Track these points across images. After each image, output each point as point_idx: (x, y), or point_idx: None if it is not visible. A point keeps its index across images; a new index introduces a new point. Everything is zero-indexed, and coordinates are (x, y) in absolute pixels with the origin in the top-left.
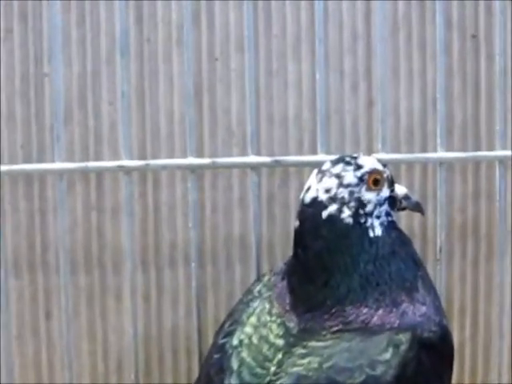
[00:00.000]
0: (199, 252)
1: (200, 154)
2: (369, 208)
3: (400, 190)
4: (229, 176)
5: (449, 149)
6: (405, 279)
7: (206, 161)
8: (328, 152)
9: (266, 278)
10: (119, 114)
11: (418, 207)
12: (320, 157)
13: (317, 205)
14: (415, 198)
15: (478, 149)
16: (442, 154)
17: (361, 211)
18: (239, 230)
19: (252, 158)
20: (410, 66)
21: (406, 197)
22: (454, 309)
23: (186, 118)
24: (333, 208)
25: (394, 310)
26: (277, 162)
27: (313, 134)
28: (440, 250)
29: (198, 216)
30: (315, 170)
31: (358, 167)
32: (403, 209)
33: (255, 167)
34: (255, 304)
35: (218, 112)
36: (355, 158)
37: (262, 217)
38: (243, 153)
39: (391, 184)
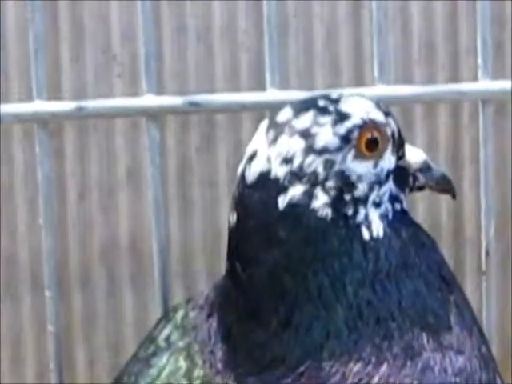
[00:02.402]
0: (55, 273)
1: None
2: (360, 190)
3: (415, 155)
4: (108, 130)
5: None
6: (426, 310)
7: (66, 105)
8: (284, 86)
9: (179, 315)
10: None
11: (445, 184)
12: (269, 95)
13: (268, 185)
14: (440, 169)
15: None
16: (488, 83)
17: (346, 196)
18: (128, 230)
19: (149, 99)
20: None
21: (426, 167)
22: None
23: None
24: (297, 191)
25: (409, 363)
26: (193, 104)
27: (257, 56)
28: (487, 255)
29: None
30: (264, 123)
31: (341, 117)
32: (420, 188)
33: (154, 114)
34: (162, 361)
35: (86, 21)
36: (335, 100)
37: (169, 206)
38: (132, 90)
39: (399, 146)
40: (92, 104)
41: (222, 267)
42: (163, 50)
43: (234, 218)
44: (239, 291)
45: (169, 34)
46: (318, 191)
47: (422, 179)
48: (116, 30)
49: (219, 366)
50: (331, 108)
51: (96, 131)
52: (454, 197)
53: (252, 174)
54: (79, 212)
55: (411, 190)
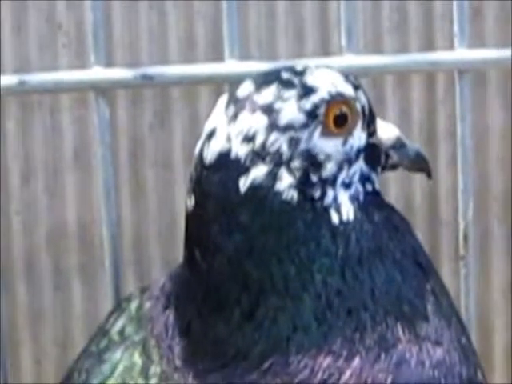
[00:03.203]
0: None
1: None
2: (328, 170)
3: (387, 131)
4: (53, 106)
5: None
6: (401, 299)
7: (6, 80)
8: (244, 57)
9: (133, 306)
10: None
11: (420, 162)
12: (228, 67)
13: (229, 166)
14: (415, 146)
15: None
16: (465, 52)
17: (313, 177)
18: (76, 215)
19: (97, 72)
20: None
21: (399, 144)
22: (496, 346)
23: None
24: (260, 172)
25: (383, 356)
26: (146, 77)
27: (214, 24)
28: (465, 240)
29: None
30: (222, 98)
31: (307, 91)
32: (394, 167)
33: (103, 88)
34: (116, 356)
35: None
36: (300, 72)
37: (120, 189)
38: (79, 63)
39: (370, 122)
40: (35, 78)
41: (178, 254)
42: (112, 18)
43: (191, 201)
44: (199, 281)
45: (118, 1)
46: (283, 172)
47: (395, 157)
48: None
49: (178, 362)
50: (296, 81)
51: (40, 108)
52: (429, 176)
53: (211, 154)
54: (23, 196)
55: (383, 169)
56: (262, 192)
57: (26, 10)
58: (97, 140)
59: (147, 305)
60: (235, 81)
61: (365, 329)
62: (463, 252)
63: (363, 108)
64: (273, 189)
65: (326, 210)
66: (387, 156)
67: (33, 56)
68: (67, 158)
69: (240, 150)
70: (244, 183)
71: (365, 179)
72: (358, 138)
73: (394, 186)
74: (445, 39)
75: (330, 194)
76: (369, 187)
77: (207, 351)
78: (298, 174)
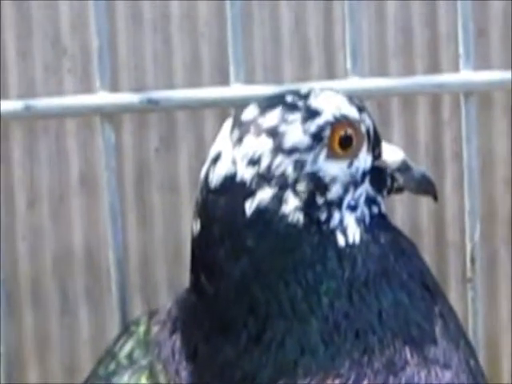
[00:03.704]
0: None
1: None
2: (334, 192)
3: (392, 154)
4: (58, 131)
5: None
6: (409, 322)
7: (12, 105)
8: (249, 80)
9: (141, 329)
10: None
11: (426, 185)
12: (234, 90)
13: (234, 190)
14: (421, 168)
15: None
16: (470, 74)
17: (319, 199)
18: (82, 240)
19: (103, 97)
20: None
21: (405, 167)
22: (504, 369)
23: None
24: (265, 195)
25: (392, 379)
26: (151, 101)
27: (220, 48)
28: (472, 262)
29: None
30: (227, 121)
31: (311, 114)
32: (399, 190)
33: (109, 113)
34: (123, 379)
35: (33, 11)
36: (304, 95)
37: (126, 213)
38: (85, 87)
39: (375, 144)
40: (41, 103)
41: (184, 279)
42: (117, 42)
43: (197, 225)
44: (205, 305)
45: (123, 25)
46: (288, 195)
47: (400, 180)
48: (66, 20)
49: None
50: (300, 104)
51: (46, 132)
52: (435, 199)
53: (216, 178)
54: (29, 221)
55: (389, 191)
56: (268, 215)
57: (31, 35)
58: (102, 164)
59: (154, 329)
60: (241, 104)
61: (373, 352)
62: (470, 274)
63: (368, 130)
64: (278, 212)
65: (332, 232)
66: (393, 179)
67: (38, 81)
68: (73, 182)
69: (245, 174)
70: (250, 206)
71: (371, 202)
72: (364, 160)
73: (400, 208)
74: (450, 61)
75: (336, 216)
76: (375, 210)
77: (214, 375)
78: (303, 197)
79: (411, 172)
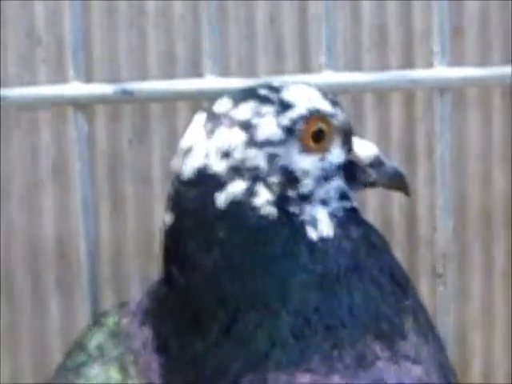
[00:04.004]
0: None
1: None
2: (306, 186)
3: (365, 149)
4: (31, 121)
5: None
6: (380, 317)
7: None
8: (223, 73)
9: (111, 321)
10: None
11: (398, 181)
12: (208, 83)
13: (207, 182)
14: (393, 164)
15: None
16: (445, 70)
17: (291, 193)
18: (53, 231)
19: (77, 87)
20: None
21: (377, 162)
22: (473, 365)
23: None
24: (238, 187)
25: (362, 374)
26: (125, 92)
27: (195, 41)
28: (443, 257)
29: None
30: (199, 114)
31: (284, 107)
32: (371, 185)
33: (82, 103)
34: (93, 371)
35: (7, 1)
36: (277, 88)
37: (99, 204)
38: (59, 78)
39: (348, 139)
40: (14, 92)
41: (156, 270)
42: (92, 33)
43: (169, 217)
44: (176, 298)
45: (98, 17)
46: (260, 187)
47: (373, 175)
48: (41, 10)
49: (155, 378)
50: (273, 97)
51: (19, 122)
52: (407, 194)
53: (188, 170)
54: (0, 212)
55: (362, 186)
56: (240, 208)
57: (5, 25)
58: (75, 155)
59: (124, 321)
60: (215, 97)
61: (343, 346)
62: (441, 270)
63: (341, 125)
64: (251, 204)
65: (304, 226)
66: (365, 173)
67: (12, 71)
68: (45, 172)
69: (218, 166)
70: (222, 199)
71: (343, 196)
72: (336, 154)
73: (372, 202)
74: (425, 57)
75: (308, 210)
76: (347, 204)
77: (185, 368)
78: (275, 190)
79: (384, 167)
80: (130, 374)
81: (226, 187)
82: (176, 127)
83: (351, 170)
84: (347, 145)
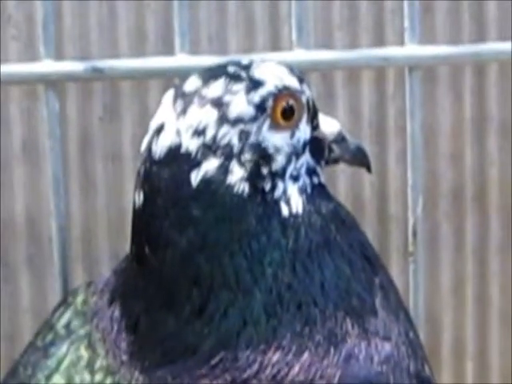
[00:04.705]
0: None
1: None
2: (278, 162)
3: (329, 126)
4: (1, 98)
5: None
6: (350, 293)
7: None
8: (194, 51)
9: (79, 300)
10: None
11: (360, 157)
12: (179, 60)
13: (179, 161)
14: (356, 141)
15: None
16: (416, 48)
17: (264, 169)
18: (24, 208)
19: (47, 65)
20: None
21: (340, 138)
22: (443, 342)
23: None
24: (211, 165)
25: (332, 351)
26: (96, 70)
27: (165, 18)
28: (414, 235)
29: None
30: (169, 92)
31: (254, 84)
32: (335, 161)
33: (53, 81)
34: (61, 350)
35: None
36: (246, 66)
37: (69, 182)
38: (29, 55)
39: (314, 115)
40: None
41: (127, 248)
42: (62, 10)
43: (140, 197)
44: (148, 277)
45: None
46: (234, 165)
47: (336, 151)
48: None
49: (124, 356)
50: (243, 74)
51: None
52: (369, 171)
53: (160, 149)
54: None
55: (326, 162)
56: (214, 185)
57: None
58: (46, 133)
59: (92, 299)
60: (185, 75)
61: (314, 323)
62: (412, 248)
63: (308, 101)
64: (224, 182)
65: (277, 202)
66: (330, 150)
67: None
68: (16, 150)
69: (190, 144)
70: (195, 177)
71: (311, 172)
72: (304, 131)
73: (343, 181)
74: (395, 35)
75: (280, 186)
76: (315, 180)
77: (155, 347)
78: (248, 167)
79: (347, 143)
80: (98, 351)
81: (199, 165)
82: (147, 105)
83: (317, 146)
84: (313, 121)
